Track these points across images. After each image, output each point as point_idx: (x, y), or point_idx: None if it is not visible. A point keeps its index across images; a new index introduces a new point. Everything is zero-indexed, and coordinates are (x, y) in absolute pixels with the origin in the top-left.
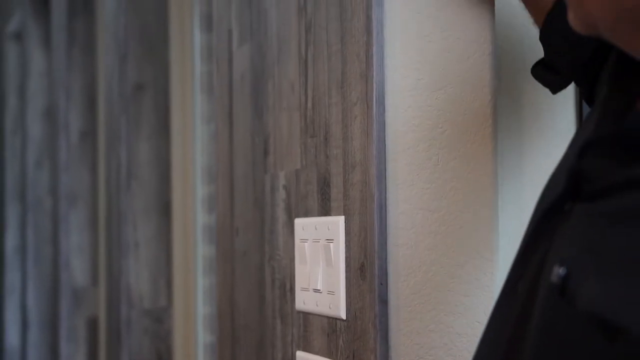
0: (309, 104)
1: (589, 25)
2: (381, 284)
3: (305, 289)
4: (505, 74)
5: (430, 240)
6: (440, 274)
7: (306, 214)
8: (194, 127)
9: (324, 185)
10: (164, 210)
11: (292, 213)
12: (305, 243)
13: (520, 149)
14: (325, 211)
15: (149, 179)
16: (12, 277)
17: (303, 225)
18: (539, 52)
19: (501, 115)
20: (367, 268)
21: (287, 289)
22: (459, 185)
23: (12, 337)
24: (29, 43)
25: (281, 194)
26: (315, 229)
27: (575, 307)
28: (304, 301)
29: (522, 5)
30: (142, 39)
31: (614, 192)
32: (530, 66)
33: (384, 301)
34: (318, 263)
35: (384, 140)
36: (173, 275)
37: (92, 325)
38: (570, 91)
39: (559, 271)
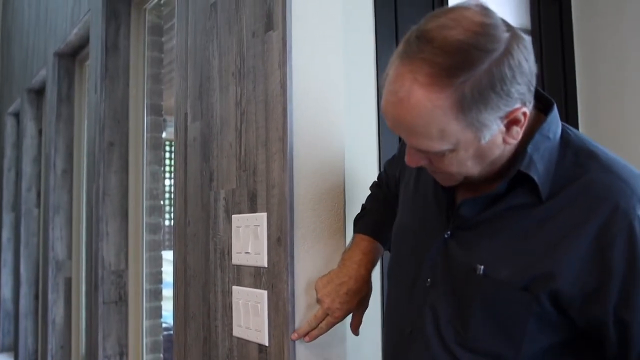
0: (242, 154)
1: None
2: (290, 247)
3: (239, 252)
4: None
5: (314, 224)
6: (317, 235)
7: (240, 212)
8: (143, 167)
9: (252, 197)
10: (124, 214)
11: (229, 212)
12: (240, 228)
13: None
14: (253, 211)
15: (115, 196)
16: (6, 256)
17: (239, 218)
18: None
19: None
20: (282, 239)
21: (226, 253)
22: (328, 196)
23: (6, 292)
24: (25, 117)
25: (222, 202)
26: (247, 220)
27: (493, 280)
28: (238, 259)
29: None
30: (113, 117)
31: (480, 223)
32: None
33: (291, 256)
34: (248, 238)
35: (292, 173)
36: (128, 251)
37: (68, 282)
38: None
39: (481, 267)
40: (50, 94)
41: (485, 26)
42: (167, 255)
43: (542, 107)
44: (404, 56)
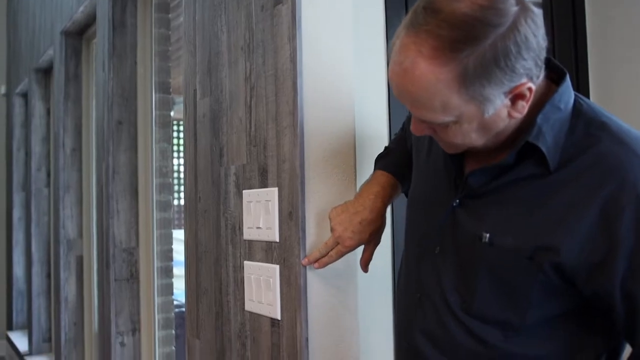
0: (252, 129)
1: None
2: (301, 221)
3: (250, 227)
4: None
5: (326, 197)
6: (328, 209)
7: (250, 187)
8: (152, 145)
9: (263, 172)
10: (134, 192)
11: (240, 188)
12: (251, 203)
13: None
14: (264, 186)
15: (125, 174)
16: (18, 235)
17: (249, 194)
18: None
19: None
20: (293, 214)
21: (237, 228)
22: (339, 169)
23: (18, 271)
24: (33, 97)
25: (232, 177)
26: (258, 195)
27: (498, 248)
28: (249, 234)
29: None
30: (121, 95)
31: (488, 193)
32: None
33: (303, 230)
34: (259, 213)
35: (303, 147)
36: (139, 229)
37: (79, 261)
38: None
39: (487, 235)
40: (58, 73)
41: (493, 0)
42: (177, 235)
43: (554, 77)
44: (410, 27)
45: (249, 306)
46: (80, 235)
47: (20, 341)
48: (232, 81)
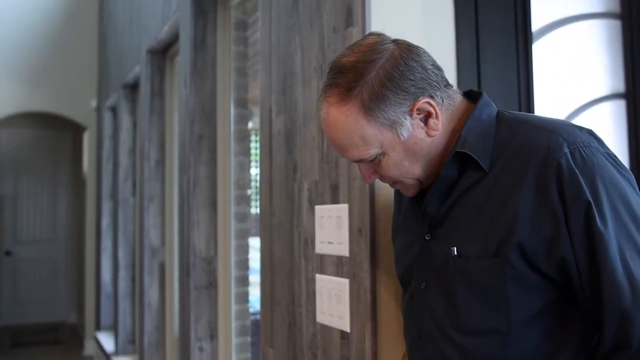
0: (324, 147)
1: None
2: (371, 237)
3: (322, 242)
4: None
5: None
6: None
7: (322, 203)
8: (230, 158)
9: (334, 189)
10: (213, 204)
11: (312, 203)
12: (323, 218)
13: None
14: (335, 202)
15: (205, 186)
16: (105, 242)
17: (322, 209)
18: None
19: None
20: (363, 230)
21: (309, 242)
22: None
23: (106, 276)
24: (121, 111)
25: (305, 193)
26: (329, 210)
27: (466, 258)
28: (321, 248)
29: None
30: (202, 111)
31: (447, 214)
32: None
33: (372, 246)
34: (331, 228)
35: None
36: (217, 239)
37: (161, 268)
38: None
39: (454, 249)
40: (144, 89)
41: (371, 45)
42: (254, 242)
43: (474, 99)
44: (322, 88)
45: (320, 318)
46: (163, 243)
47: (107, 342)
48: (305, 100)
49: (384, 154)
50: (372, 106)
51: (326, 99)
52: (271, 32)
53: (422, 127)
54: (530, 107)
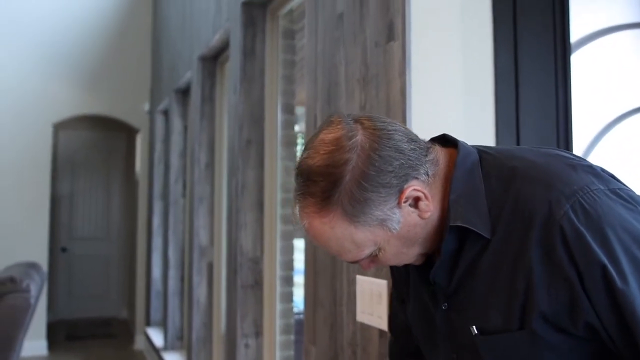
0: None
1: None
2: None
3: None
4: None
5: None
6: None
7: None
8: (277, 162)
9: None
10: (259, 206)
11: None
12: None
13: None
14: None
15: (252, 189)
16: (157, 240)
17: None
18: None
19: None
20: None
21: None
22: None
23: (156, 273)
24: (172, 115)
25: None
26: None
27: (490, 335)
28: None
29: None
30: (250, 116)
31: (459, 285)
32: None
33: None
34: None
35: None
36: (263, 240)
37: (209, 267)
38: None
39: (473, 328)
40: (195, 94)
41: (337, 141)
42: (299, 244)
43: (451, 145)
44: (295, 196)
45: (360, 317)
46: (212, 243)
47: (157, 337)
48: (348, 110)
49: (379, 249)
50: (355, 212)
51: (303, 210)
52: (317, 43)
53: (413, 212)
54: (568, 118)
